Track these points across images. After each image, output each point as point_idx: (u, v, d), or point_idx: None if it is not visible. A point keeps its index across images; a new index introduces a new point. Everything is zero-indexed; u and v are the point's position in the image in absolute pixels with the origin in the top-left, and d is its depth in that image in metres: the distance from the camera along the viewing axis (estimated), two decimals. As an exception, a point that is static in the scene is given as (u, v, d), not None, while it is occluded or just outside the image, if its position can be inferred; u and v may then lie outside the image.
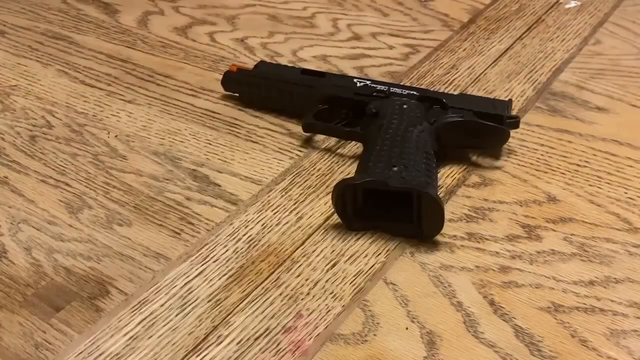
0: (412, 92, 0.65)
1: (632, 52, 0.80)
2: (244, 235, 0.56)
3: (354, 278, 0.52)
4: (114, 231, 0.58)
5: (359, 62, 0.80)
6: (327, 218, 0.58)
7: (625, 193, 0.59)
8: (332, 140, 0.67)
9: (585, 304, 0.50)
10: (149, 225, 0.58)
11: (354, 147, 0.66)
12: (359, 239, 0.56)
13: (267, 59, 0.80)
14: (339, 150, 0.66)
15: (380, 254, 0.54)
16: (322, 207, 0.59)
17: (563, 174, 0.62)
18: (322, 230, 0.57)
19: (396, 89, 0.65)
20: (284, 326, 0.49)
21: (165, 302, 0.51)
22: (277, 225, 0.57)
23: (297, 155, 0.66)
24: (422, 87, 0.73)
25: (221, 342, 0.48)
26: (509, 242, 0.55)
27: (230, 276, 0.52)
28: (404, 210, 0.54)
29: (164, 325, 0.49)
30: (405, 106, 0.63)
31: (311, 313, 0.50)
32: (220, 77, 0.73)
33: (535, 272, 0.52)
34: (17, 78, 0.80)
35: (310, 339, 0.48)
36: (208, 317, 0.49)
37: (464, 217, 0.58)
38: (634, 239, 0.55)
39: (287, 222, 0.57)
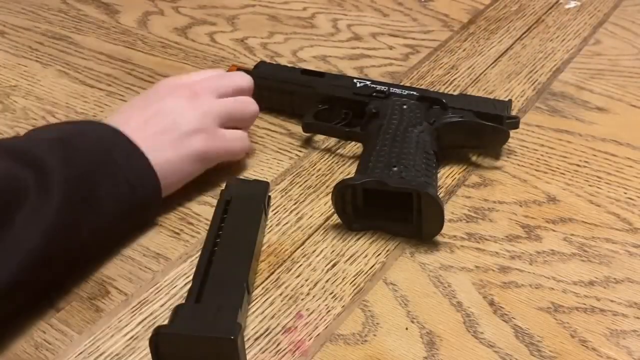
0: (412, 92, 0.65)
1: (631, 52, 0.80)
2: (244, 235, 0.56)
3: (354, 278, 0.52)
4: (114, 231, 0.58)
5: (359, 62, 0.80)
6: (327, 218, 0.58)
7: (625, 193, 0.59)
8: (332, 141, 0.67)
9: (585, 304, 0.50)
10: (149, 225, 0.58)
11: (354, 147, 0.66)
12: (359, 239, 0.56)
13: (267, 59, 0.80)
14: (339, 151, 0.66)
15: (380, 254, 0.54)
16: (322, 207, 0.59)
17: (563, 174, 0.62)
18: (322, 231, 0.57)
19: (396, 89, 0.65)
20: (284, 326, 0.49)
21: (166, 303, 0.51)
22: (277, 225, 0.57)
23: (297, 155, 0.66)
24: (422, 87, 0.73)
25: (221, 342, 0.48)
26: (508, 242, 0.55)
27: (230, 276, 0.52)
28: (404, 211, 0.54)
29: (164, 326, 0.49)
30: (405, 106, 0.63)
31: (311, 313, 0.50)
32: (221, 77, 0.73)
33: (535, 272, 0.52)
34: (17, 78, 0.80)
35: (310, 339, 0.48)
36: (208, 317, 0.49)
37: (464, 217, 0.58)
38: (634, 239, 0.55)
39: (287, 222, 0.58)
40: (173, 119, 0.57)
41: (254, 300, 0.51)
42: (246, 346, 0.47)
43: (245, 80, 0.64)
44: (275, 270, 0.53)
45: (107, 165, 0.53)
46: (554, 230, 0.56)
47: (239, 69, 0.72)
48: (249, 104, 0.63)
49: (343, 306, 0.50)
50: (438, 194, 0.55)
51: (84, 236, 0.51)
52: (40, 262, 0.48)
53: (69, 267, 0.52)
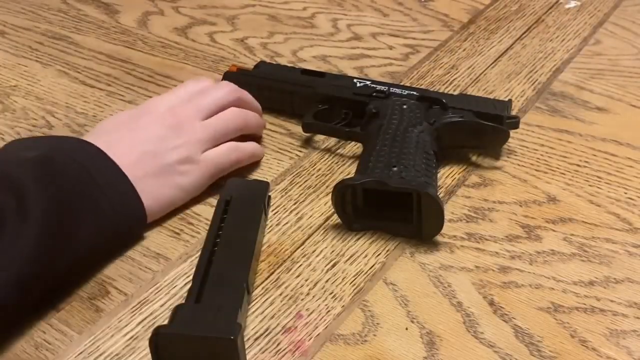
0: (412, 92, 0.65)
1: (631, 52, 0.80)
2: (244, 235, 0.56)
3: (353, 278, 0.52)
4: (114, 231, 0.58)
5: (359, 62, 0.80)
6: (327, 218, 0.58)
7: (625, 193, 0.59)
8: (332, 140, 0.67)
9: (585, 304, 0.50)
10: (149, 225, 0.58)
11: (354, 147, 0.66)
12: (358, 239, 0.56)
13: (267, 59, 0.80)
14: (339, 150, 0.66)
15: (380, 254, 0.54)
16: (322, 207, 0.59)
17: (563, 174, 0.62)
18: (322, 231, 0.57)
19: (396, 89, 0.65)
20: (284, 326, 0.49)
21: (166, 303, 0.51)
22: (277, 225, 0.57)
23: (297, 155, 0.66)
24: (422, 87, 0.73)
25: (221, 342, 0.48)
26: (508, 242, 0.55)
27: (230, 276, 0.52)
28: (404, 211, 0.54)
29: (164, 326, 0.49)
30: (405, 106, 0.63)
31: (311, 313, 0.50)
32: (220, 77, 0.73)
33: (535, 272, 0.52)
34: (17, 78, 0.80)
35: (310, 339, 0.48)
36: (208, 317, 0.49)
37: (464, 217, 0.58)
38: (634, 239, 0.55)
39: (287, 222, 0.58)
40: (158, 149, 0.57)
41: (254, 300, 0.51)
42: (246, 346, 0.47)
43: (225, 93, 0.63)
44: (275, 270, 0.53)
45: (89, 190, 0.52)
46: (554, 230, 0.56)
47: (239, 69, 0.72)
48: (234, 119, 0.62)
49: (343, 306, 0.50)
50: (438, 194, 0.55)
51: (63, 264, 0.50)
52: (13, 293, 0.46)
53: (47, 292, 0.51)
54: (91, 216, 0.52)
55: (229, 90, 0.64)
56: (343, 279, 0.52)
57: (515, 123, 0.62)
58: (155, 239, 0.57)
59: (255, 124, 0.65)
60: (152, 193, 0.56)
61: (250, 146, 0.63)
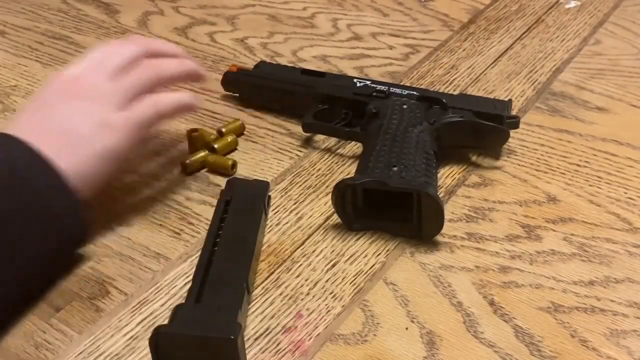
0: (412, 92, 0.65)
1: (631, 52, 0.80)
2: (244, 235, 0.56)
3: (353, 278, 0.52)
4: (114, 231, 0.58)
5: (359, 62, 0.80)
6: (327, 218, 0.58)
7: (625, 193, 0.59)
8: (332, 140, 0.67)
9: (585, 304, 0.50)
10: (149, 225, 0.58)
11: (354, 147, 0.66)
12: (359, 239, 0.56)
13: (267, 59, 0.80)
14: (339, 150, 0.66)
15: (380, 254, 0.54)
16: (322, 207, 0.59)
17: (563, 174, 0.62)
18: (322, 230, 0.57)
19: (396, 89, 0.65)
20: (284, 326, 0.49)
21: (166, 302, 0.51)
22: (277, 225, 0.57)
23: (297, 155, 0.66)
24: (422, 87, 0.73)
25: (221, 342, 0.48)
26: (509, 242, 0.55)
27: (230, 276, 0.52)
28: (404, 211, 0.54)
29: (164, 325, 0.49)
30: (405, 106, 0.63)
31: (311, 313, 0.50)
32: (220, 77, 0.73)
33: (535, 272, 0.52)
34: (17, 78, 0.80)
35: (310, 339, 0.48)
36: (208, 317, 0.49)
37: (464, 217, 0.58)
38: (634, 239, 0.55)
39: (287, 222, 0.58)
40: (70, 125, 0.53)
41: (254, 300, 0.51)
42: (246, 346, 0.47)
43: (131, 48, 0.58)
44: (275, 270, 0.53)
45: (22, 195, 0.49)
46: (554, 230, 0.56)
47: (239, 69, 0.72)
48: (144, 71, 0.57)
49: (343, 306, 0.50)
50: (438, 194, 0.55)
51: (9, 277, 0.48)
52: None
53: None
54: (32, 223, 0.49)
55: (135, 44, 0.59)
56: (343, 278, 0.52)
57: (515, 123, 0.62)
58: (155, 239, 0.57)
59: (174, 71, 0.60)
60: (78, 172, 0.52)
61: (173, 96, 0.59)
